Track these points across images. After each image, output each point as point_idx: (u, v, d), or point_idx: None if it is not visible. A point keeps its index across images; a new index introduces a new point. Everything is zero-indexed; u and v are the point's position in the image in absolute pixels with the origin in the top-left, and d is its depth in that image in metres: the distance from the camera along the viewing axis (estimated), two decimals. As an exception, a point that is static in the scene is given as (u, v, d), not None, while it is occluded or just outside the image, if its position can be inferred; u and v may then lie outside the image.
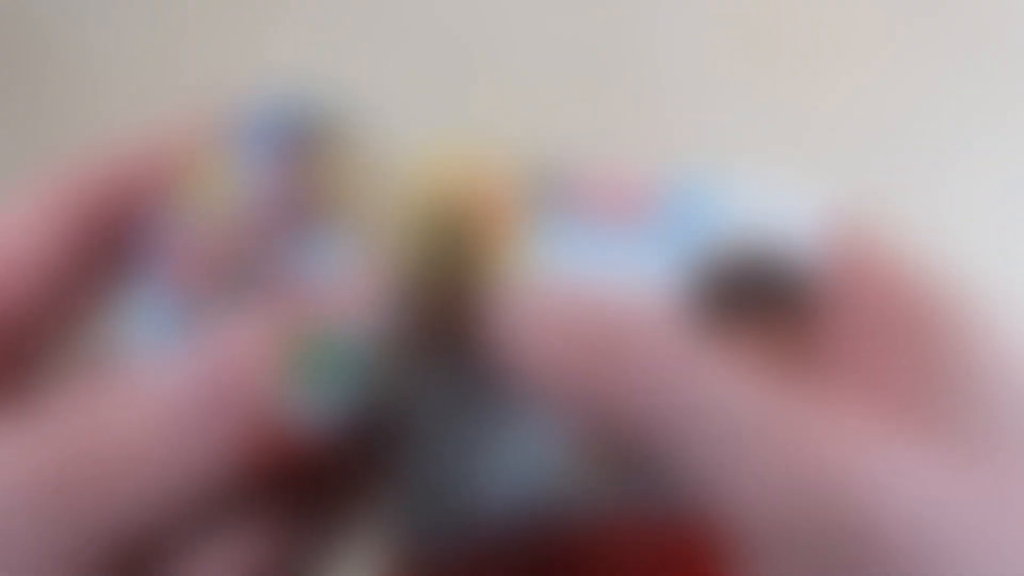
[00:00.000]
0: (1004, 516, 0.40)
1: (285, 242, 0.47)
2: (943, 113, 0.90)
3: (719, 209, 0.50)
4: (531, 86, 0.90)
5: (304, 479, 0.48)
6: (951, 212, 0.88)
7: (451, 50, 0.91)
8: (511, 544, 0.46)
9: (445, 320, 0.47)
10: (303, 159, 0.49)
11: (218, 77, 0.94)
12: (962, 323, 0.46)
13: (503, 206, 0.47)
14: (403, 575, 0.48)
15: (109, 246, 0.49)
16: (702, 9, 1.01)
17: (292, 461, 0.46)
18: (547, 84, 0.91)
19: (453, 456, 0.47)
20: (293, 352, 0.45)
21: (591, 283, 0.47)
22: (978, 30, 0.96)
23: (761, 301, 0.50)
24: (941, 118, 0.91)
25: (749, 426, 0.42)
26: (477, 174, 0.47)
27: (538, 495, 0.46)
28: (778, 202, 0.51)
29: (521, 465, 0.46)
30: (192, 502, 0.43)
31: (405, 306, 0.47)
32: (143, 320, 0.49)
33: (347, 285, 0.46)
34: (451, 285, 0.46)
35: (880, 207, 0.83)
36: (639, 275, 0.48)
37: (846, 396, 0.45)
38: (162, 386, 0.44)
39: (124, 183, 0.50)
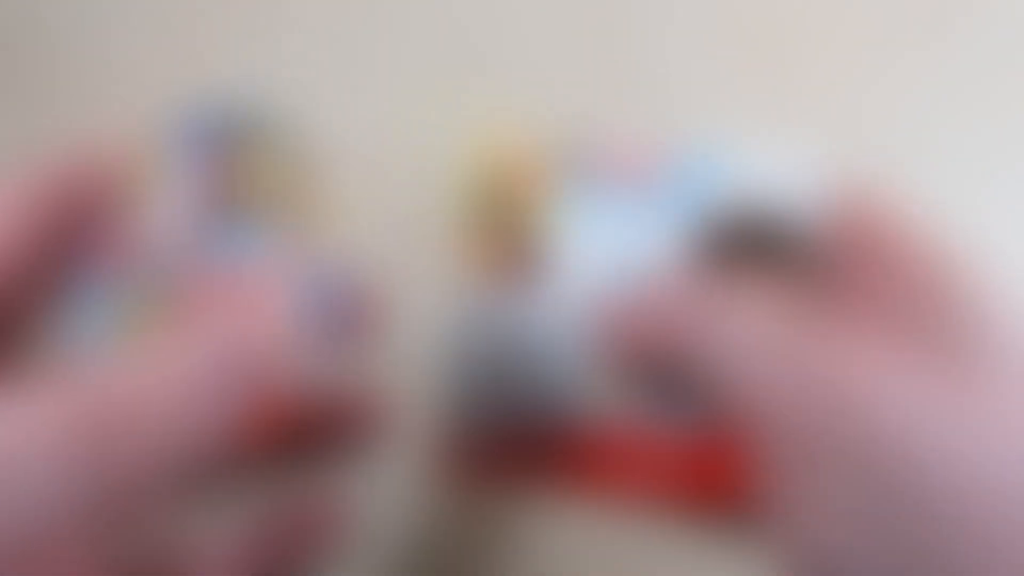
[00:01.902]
0: (998, 429, 0.45)
1: (209, 236, 0.54)
2: (942, 77, 0.94)
3: (727, 172, 0.56)
4: (532, 70, 0.92)
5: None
6: (948, 172, 0.91)
7: (457, 37, 0.93)
8: (534, 426, 0.56)
9: (500, 258, 0.57)
10: (231, 160, 0.55)
11: (217, 73, 0.95)
12: (958, 271, 0.50)
13: (538, 173, 0.58)
14: (447, 450, 0.57)
15: (64, 243, 0.54)
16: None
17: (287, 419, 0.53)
18: (552, 68, 0.93)
19: (499, 356, 0.57)
20: None
21: (618, 261, 0.56)
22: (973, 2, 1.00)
23: (767, 260, 0.54)
24: (940, 82, 0.94)
25: (766, 349, 0.48)
26: (518, 149, 0.58)
27: (560, 392, 0.56)
28: (782, 164, 0.56)
29: (551, 367, 0.56)
30: (205, 458, 0.47)
31: (467, 250, 0.57)
32: (83, 311, 0.53)
33: (268, 275, 0.53)
34: (503, 231, 0.57)
35: (880, 167, 0.87)
36: (654, 233, 0.56)
37: (854, 331, 0.49)
38: (184, 352, 0.48)
39: (77, 187, 0.54)
